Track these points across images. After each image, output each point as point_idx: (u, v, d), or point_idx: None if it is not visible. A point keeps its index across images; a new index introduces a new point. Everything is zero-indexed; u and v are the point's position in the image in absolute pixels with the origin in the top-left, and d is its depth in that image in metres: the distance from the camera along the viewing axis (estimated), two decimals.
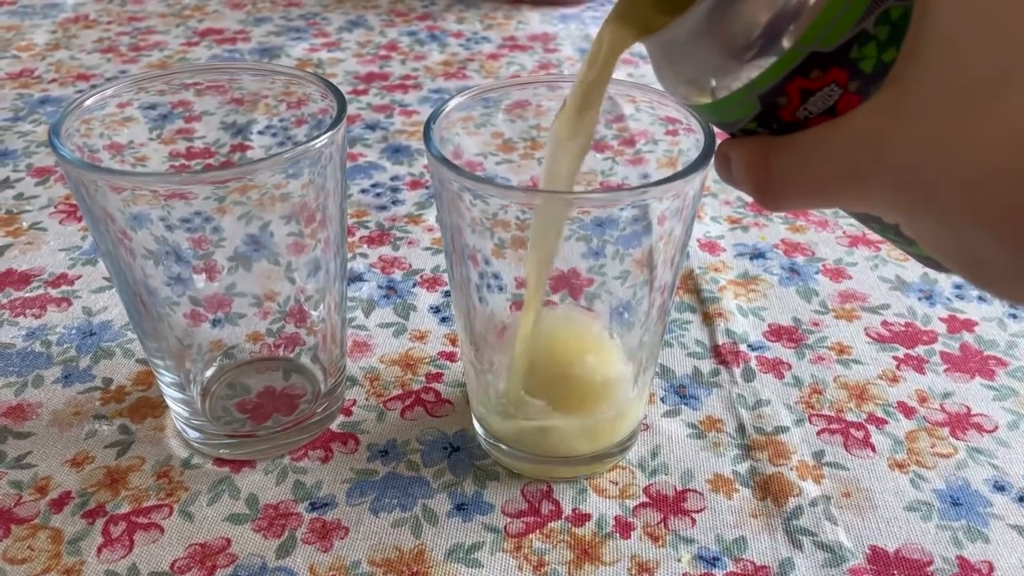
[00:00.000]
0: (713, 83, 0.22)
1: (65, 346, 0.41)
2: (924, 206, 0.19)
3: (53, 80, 0.69)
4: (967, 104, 0.17)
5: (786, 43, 0.20)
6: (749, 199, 0.52)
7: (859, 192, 0.20)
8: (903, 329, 0.42)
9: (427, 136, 0.29)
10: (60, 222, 0.50)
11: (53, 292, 0.44)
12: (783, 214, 0.51)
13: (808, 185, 0.21)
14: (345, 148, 0.33)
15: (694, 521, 0.33)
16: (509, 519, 0.33)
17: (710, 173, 0.28)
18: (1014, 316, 0.43)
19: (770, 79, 0.21)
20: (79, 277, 0.45)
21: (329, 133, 0.30)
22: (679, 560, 0.31)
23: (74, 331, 0.42)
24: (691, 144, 0.30)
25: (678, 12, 0.21)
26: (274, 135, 0.41)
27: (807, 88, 0.21)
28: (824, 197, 0.21)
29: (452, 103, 0.32)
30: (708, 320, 0.43)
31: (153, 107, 0.36)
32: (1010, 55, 0.17)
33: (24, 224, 0.50)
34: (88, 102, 0.32)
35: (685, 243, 0.31)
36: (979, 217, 0.17)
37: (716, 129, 0.25)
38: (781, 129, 0.22)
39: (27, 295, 0.44)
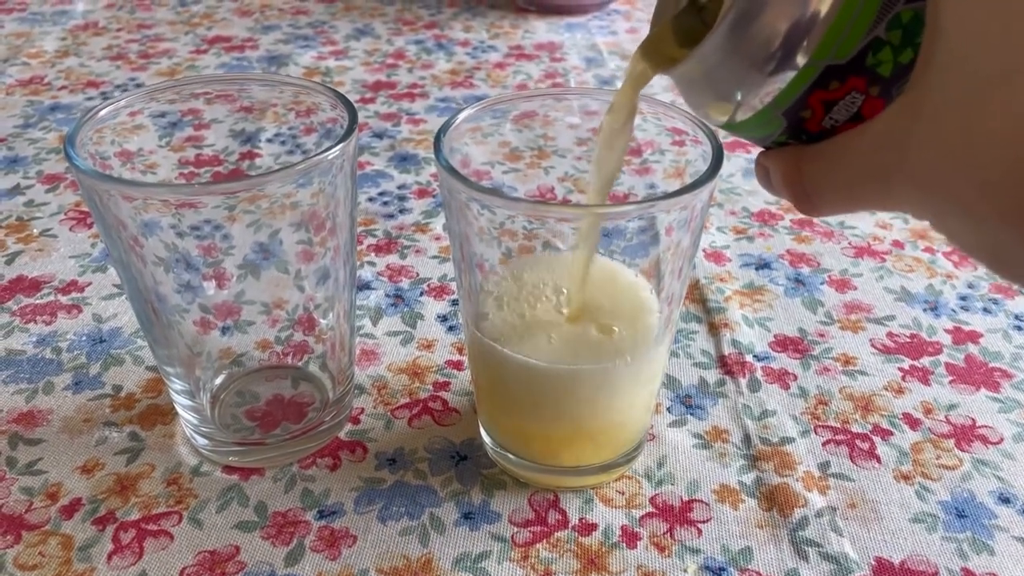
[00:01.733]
0: (738, 104, 0.22)
1: (75, 353, 0.41)
2: (946, 205, 0.19)
3: (63, 87, 0.69)
4: (976, 102, 0.18)
5: (800, 60, 0.20)
6: (754, 209, 0.52)
7: (886, 195, 0.21)
8: (908, 340, 0.42)
9: (437, 148, 0.30)
10: (70, 229, 0.50)
11: (63, 299, 0.45)
12: (790, 224, 0.51)
13: (839, 190, 0.22)
14: (356, 158, 0.33)
15: (700, 531, 0.33)
16: (516, 528, 0.33)
17: (718, 184, 0.28)
18: (1019, 328, 0.43)
19: (790, 96, 0.21)
20: (89, 284, 0.46)
21: (341, 145, 0.30)
22: (685, 570, 0.31)
23: (84, 338, 0.42)
24: (698, 155, 0.31)
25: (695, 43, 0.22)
26: (283, 143, 0.42)
27: (829, 99, 0.21)
28: (856, 200, 0.22)
29: (462, 115, 0.32)
30: (714, 330, 0.43)
31: (163, 115, 0.37)
32: (1013, 50, 0.17)
33: (34, 231, 0.50)
34: (102, 113, 0.32)
35: (693, 254, 0.31)
36: (996, 210, 0.18)
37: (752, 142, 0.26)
38: (811, 139, 0.22)
39: (37, 302, 0.45)
